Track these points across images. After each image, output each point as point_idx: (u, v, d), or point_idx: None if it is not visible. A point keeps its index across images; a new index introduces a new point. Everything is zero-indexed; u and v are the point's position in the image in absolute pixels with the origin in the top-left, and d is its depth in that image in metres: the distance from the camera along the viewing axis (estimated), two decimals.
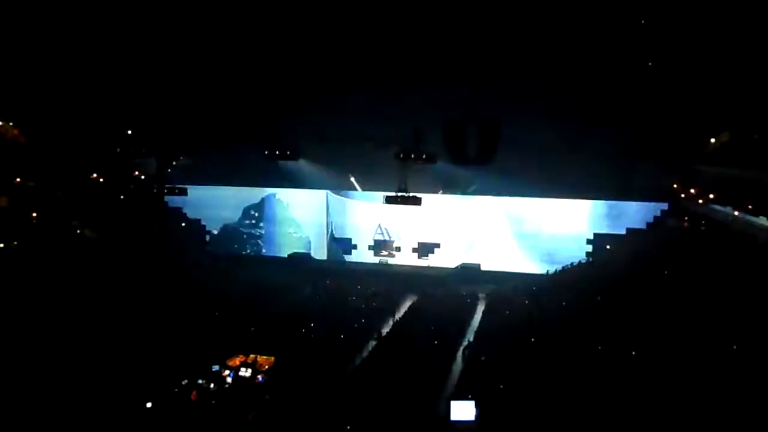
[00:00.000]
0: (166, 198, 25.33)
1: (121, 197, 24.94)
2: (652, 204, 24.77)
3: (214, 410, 12.45)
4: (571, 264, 25.60)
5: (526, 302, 21.36)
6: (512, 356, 14.95)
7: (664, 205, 24.30)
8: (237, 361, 14.52)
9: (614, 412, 11.09)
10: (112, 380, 12.41)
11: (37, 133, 20.83)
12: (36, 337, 14.15)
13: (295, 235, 30.08)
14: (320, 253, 29.70)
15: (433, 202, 27.45)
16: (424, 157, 21.30)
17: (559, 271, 25.52)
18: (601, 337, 15.42)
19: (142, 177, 25.79)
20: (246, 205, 30.50)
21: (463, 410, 11.31)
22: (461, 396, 12.09)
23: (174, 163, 25.85)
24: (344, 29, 18.27)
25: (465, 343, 17.59)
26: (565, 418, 11.18)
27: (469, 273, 26.77)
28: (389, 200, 22.48)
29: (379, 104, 21.60)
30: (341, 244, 29.38)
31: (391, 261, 28.73)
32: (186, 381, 13.19)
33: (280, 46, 19.28)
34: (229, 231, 30.59)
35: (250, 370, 14.12)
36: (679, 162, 21.34)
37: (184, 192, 25.25)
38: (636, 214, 25.41)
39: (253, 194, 30.34)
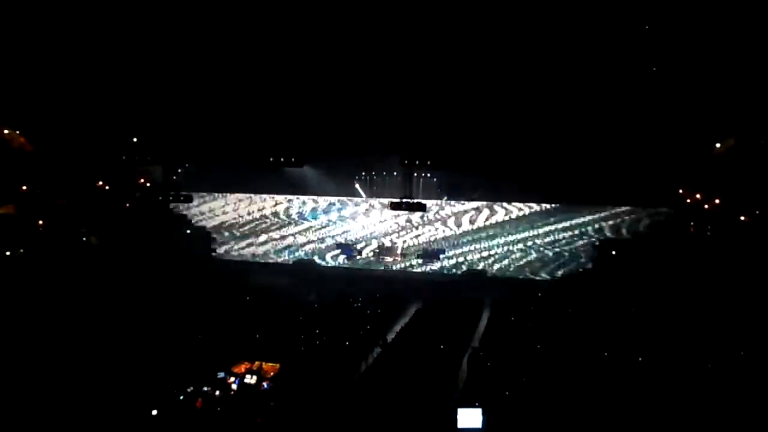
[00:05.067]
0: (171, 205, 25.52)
1: (127, 205, 25.02)
2: (657, 209, 24.71)
3: (219, 417, 12.42)
4: (577, 270, 25.51)
5: (532, 308, 21.28)
6: (518, 363, 14.88)
7: (670, 211, 24.22)
8: (242, 367, 14.49)
9: (622, 418, 11.01)
10: (118, 387, 12.41)
11: (43, 142, 20.95)
12: (42, 344, 14.18)
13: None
14: (325, 258, 29.70)
15: (438, 208, 27.51)
16: (428, 163, 21.34)
17: (565, 277, 25.43)
18: (608, 343, 15.35)
19: (148, 185, 25.88)
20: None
21: (469, 418, 11.22)
22: (468, 403, 12.00)
23: (179, 170, 25.98)
24: (354, 36, 18.33)
25: (470, 349, 17.51)
26: (572, 424, 11.11)
27: (474, 279, 26.71)
28: (394, 206, 22.53)
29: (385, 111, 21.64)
30: (346, 250, 29.38)
31: (395, 267, 28.70)
32: (191, 388, 13.17)
33: (287, 52, 19.37)
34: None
35: (255, 377, 14.07)
36: (684, 167, 21.28)
37: (189, 199, 25.40)
38: (641, 219, 25.35)
39: (257, 201, 30.49)
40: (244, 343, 16.56)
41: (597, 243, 25.87)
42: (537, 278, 26.33)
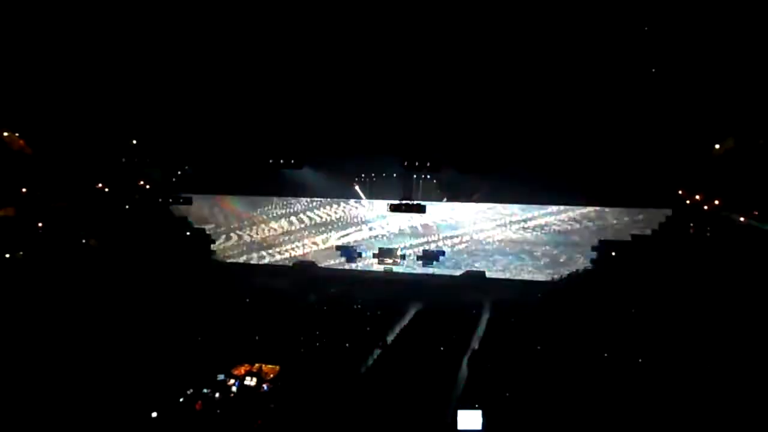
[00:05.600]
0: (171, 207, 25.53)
1: (126, 207, 25.03)
2: (657, 210, 24.67)
3: (219, 420, 12.41)
4: (576, 271, 25.49)
5: (532, 309, 21.26)
6: (518, 364, 14.87)
7: (668, 211, 24.19)
8: (242, 370, 14.50)
9: (622, 419, 11.00)
10: (117, 390, 12.40)
11: (42, 144, 20.96)
12: (41, 347, 14.17)
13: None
14: (324, 261, 29.66)
15: (438, 209, 27.48)
16: (428, 165, 21.31)
17: (564, 278, 25.41)
18: (608, 344, 15.33)
19: (147, 186, 25.89)
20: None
21: (469, 419, 11.22)
22: (467, 405, 11.99)
23: (179, 172, 25.97)
24: (354, 37, 18.30)
25: (470, 351, 17.49)
26: (572, 425, 11.10)
27: (474, 280, 26.69)
28: (394, 208, 22.51)
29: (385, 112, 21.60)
30: (345, 252, 29.34)
31: (395, 268, 28.66)
32: (191, 390, 13.16)
33: (286, 54, 19.36)
34: None
35: (255, 379, 14.08)
36: (684, 168, 21.26)
37: (189, 201, 25.38)
38: (640, 220, 25.31)
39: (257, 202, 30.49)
40: (244, 345, 16.57)
41: (597, 243, 25.83)
42: (537, 279, 26.28)
